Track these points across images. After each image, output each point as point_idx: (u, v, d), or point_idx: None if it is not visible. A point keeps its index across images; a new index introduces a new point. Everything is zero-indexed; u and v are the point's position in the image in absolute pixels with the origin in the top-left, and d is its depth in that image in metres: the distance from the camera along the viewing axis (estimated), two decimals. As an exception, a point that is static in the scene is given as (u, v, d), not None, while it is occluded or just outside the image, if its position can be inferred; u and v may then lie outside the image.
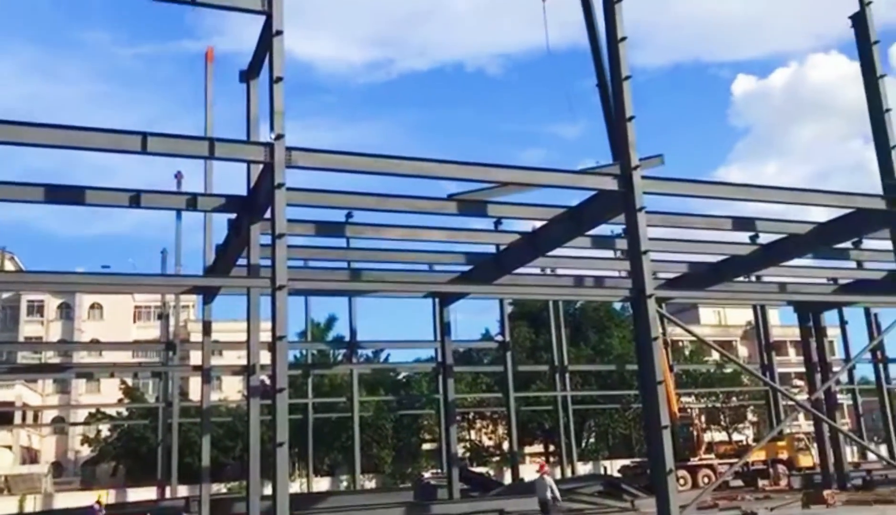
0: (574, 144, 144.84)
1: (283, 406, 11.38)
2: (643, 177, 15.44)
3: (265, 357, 13.58)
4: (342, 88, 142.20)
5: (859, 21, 18.84)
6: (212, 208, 16.21)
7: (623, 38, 15.70)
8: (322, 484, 43.80)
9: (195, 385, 45.91)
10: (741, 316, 69.79)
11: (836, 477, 26.91)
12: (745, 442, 49.28)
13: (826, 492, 18.14)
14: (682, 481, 28.95)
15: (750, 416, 59.63)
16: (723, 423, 57.75)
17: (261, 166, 13.19)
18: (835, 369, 30.83)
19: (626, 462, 38.52)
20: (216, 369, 30.59)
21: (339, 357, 48.95)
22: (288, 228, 15.89)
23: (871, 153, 18.17)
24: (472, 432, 54.64)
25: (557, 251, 21.62)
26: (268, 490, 12.20)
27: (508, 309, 60.77)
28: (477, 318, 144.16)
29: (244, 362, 15.31)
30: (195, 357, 39.41)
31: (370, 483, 44.11)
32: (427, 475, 36.30)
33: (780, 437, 33.30)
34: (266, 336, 12.62)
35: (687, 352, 61.26)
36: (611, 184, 15.41)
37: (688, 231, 21.92)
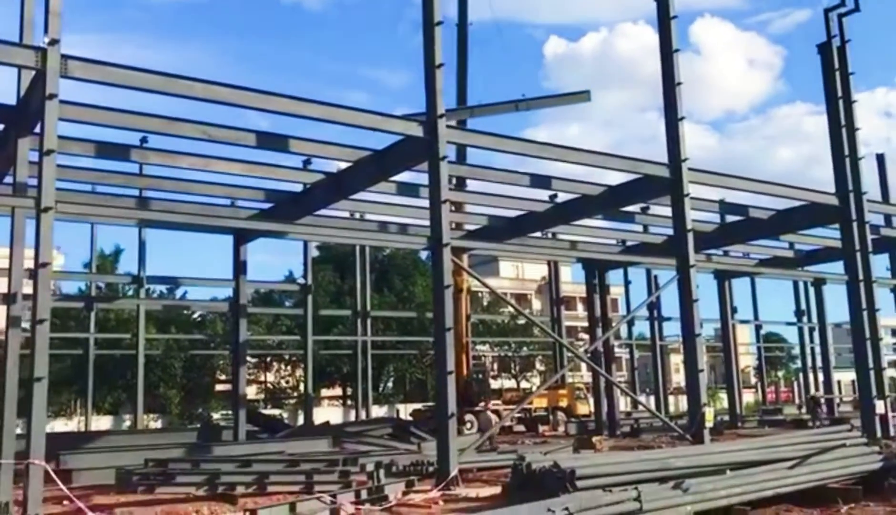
0: (398, 92, 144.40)
1: (44, 340, 10.38)
2: (448, 126, 15.46)
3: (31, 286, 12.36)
4: (145, 3, 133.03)
5: (661, -5, 19.77)
6: (-26, 117, 14.43)
7: (438, -18, 15.49)
8: (103, 423, 41.54)
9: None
10: (538, 271, 73.22)
11: (608, 425, 29.07)
12: (531, 390, 52.00)
13: (595, 438, 19.50)
14: (468, 425, 30.16)
15: (539, 366, 62.99)
16: (513, 371, 60.61)
17: (33, 75, 11.84)
18: (615, 324, 33.10)
19: (419, 406, 39.52)
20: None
21: (130, 292, 46.28)
22: (67, 147, 14.51)
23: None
24: (270, 374, 53.90)
25: (367, 196, 21.40)
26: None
27: (315, 253, 60.03)
28: (282, 259, 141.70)
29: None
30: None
31: (156, 424, 42.39)
32: (217, 415, 35.38)
33: (562, 386, 35.43)
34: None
35: (485, 303, 63.51)
36: (416, 130, 15.29)
37: (493, 186, 22.46)
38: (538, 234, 27.07)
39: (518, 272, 76.14)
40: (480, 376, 33.74)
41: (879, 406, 21.18)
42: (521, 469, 10.14)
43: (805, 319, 47.04)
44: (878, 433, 21.02)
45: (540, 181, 20.39)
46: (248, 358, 51.74)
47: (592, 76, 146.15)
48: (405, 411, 45.16)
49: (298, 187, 20.30)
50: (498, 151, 17.61)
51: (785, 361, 73.56)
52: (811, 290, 41.10)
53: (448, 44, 26.49)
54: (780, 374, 75.29)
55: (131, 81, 12.01)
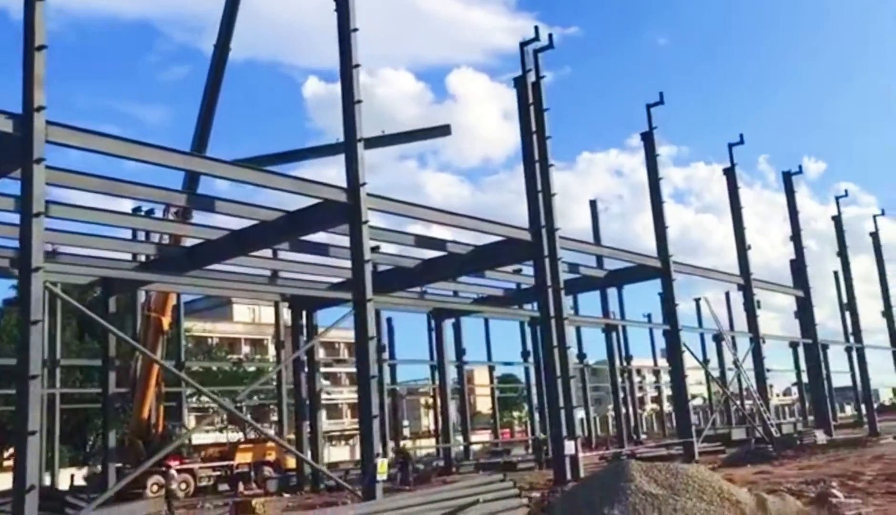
0: (156, 128, 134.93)
1: None
2: (48, 122, 12.50)
3: None
4: None
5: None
6: None
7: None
8: None
9: None
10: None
11: (312, 478, 26.64)
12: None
13: (255, 501, 16.97)
14: (155, 487, 26.43)
15: (274, 416, 59.50)
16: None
17: None
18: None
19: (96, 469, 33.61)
20: None
21: None
22: None
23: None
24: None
25: None
26: None
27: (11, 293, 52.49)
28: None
29: None
30: None
31: None
32: None
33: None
34: None
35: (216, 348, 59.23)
36: (5, 126, 12.23)
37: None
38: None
39: (255, 316, 71.94)
40: (176, 429, 29.86)
41: (569, 447, 20.55)
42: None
43: (531, 359, 47.77)
44: (569, 475, 20.39)
45: (204, 204, 17.79)
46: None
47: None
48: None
49: None
50: (128, 159, 14.81)
51: (519, 401, 75.49)
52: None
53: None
54: (515, 414, 77.17)
55: None
